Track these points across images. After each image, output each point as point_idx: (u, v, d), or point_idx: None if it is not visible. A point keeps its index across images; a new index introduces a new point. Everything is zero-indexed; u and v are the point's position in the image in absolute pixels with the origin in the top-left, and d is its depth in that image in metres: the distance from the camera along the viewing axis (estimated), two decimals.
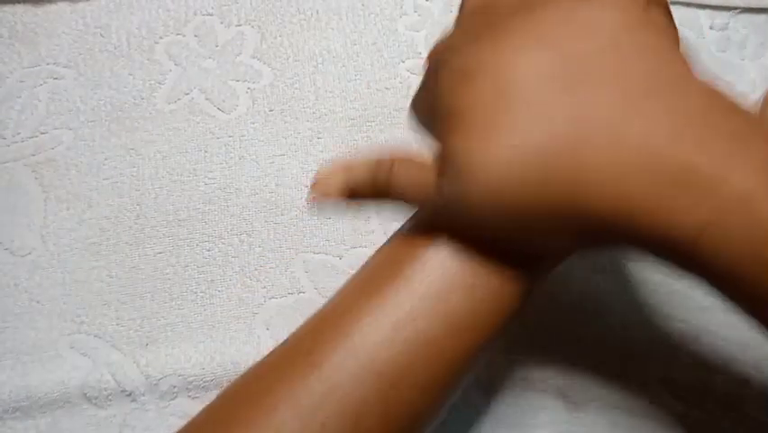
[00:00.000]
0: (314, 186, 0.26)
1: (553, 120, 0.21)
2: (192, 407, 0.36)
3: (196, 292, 0.38)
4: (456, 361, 0.24)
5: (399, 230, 0.27)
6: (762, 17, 0.41)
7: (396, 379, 0.23)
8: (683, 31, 0.41)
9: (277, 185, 0.39)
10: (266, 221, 0.39)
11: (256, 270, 0.38)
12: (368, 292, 0.25)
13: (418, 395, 0.24)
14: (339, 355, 0.23)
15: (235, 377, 0.37)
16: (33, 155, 0.39)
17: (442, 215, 0.24)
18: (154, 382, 0.36)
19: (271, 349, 0.33)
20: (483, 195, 0.22)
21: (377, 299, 0.24)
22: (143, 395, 0.36)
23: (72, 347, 0.37)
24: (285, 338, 0.27)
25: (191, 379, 0.36)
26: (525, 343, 0.38)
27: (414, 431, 0.24)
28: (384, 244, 0.27)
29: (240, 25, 0.40)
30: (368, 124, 0.40)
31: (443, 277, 0.24)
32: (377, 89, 0.40)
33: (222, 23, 0.40)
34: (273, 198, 0.39)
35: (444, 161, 0.23)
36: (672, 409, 0.37)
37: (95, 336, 0.37)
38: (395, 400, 0.23)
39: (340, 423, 0.23)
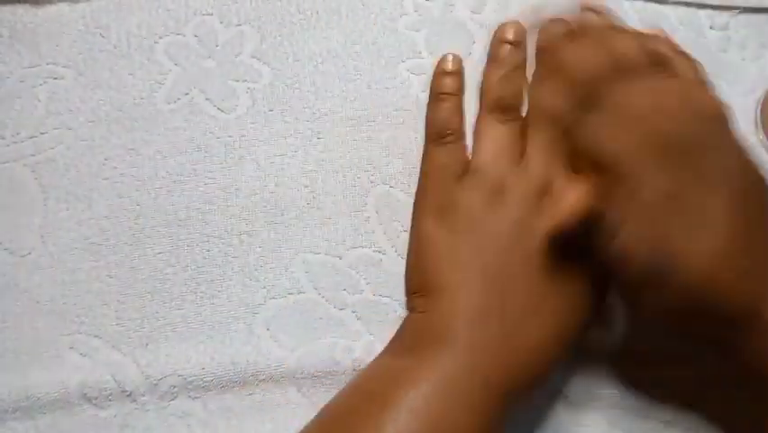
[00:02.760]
0: None
1: None
2: (192, 407, 0.36)
3: (196, 292, 0.38)
4: None
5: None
6: (762, 17, 0.41)
7: None
8: (683, 30, 0.41)
9: (277, 185, 0.39)
10: (266, 221, 0.39)
11: (256, 270, 0.38)
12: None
13: None
14: None
15: (235, 377, 0.37)
16: (33, 155, 0.39)
17: None
18: (154, 383, 0.36)
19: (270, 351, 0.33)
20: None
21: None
22: (143, 395, 0.36)
23: (72, 347, 0.37)
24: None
25: (191, 379, 0.36)
26: None
27: None
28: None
29: (240, 25, 0.40)
30: (368, 124, 0.39)
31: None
32: (377, 89, 0.40)
33: (221, 22, 0.40)
34: (273, 199, 0.39)
35: None
36: (672, 409, 0.37)
37: (94, 337, 0.37)
38: None
39: None
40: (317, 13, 0.40)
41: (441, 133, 0.34)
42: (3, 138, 0.39)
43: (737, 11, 0.41)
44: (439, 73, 0.36)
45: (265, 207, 0.39)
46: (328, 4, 0.40)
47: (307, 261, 0.38)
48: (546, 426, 0.37)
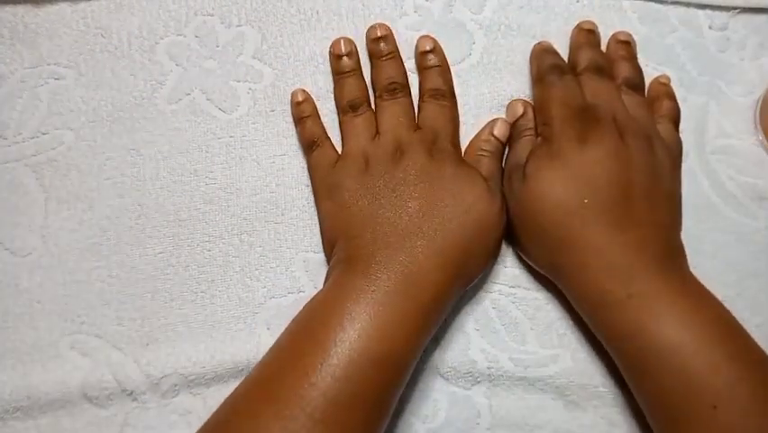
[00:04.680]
0: None
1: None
2: (193, 403, 0.36)
3: (196, 292, 0.38)
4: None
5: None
6: (761, 17, 0.41)
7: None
8: (682, 30, 0.41)
9: (277, 185, 0.39)
10: (266, 221, 0.39)
11: (256, 269, 0.38)
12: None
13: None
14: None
15: (236, 374, 0.37)
16: (34, 155, 0.39)
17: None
18: (155, 382, 0.36)
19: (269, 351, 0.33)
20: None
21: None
22: (144, 394, 0.36)
23: (73, 347, 0.37)
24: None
25: (192, 378, 0.36)
26: (525, 343, 0.38)
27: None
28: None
29: (240, 26, 0.40)
30: None
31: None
32: None
33: (222, 23, 0.40)
34: (274, 198, 0.39)
35: None
36: None
37: (95, 336, 0.37)
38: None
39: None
40: (318, 13, 0.40)
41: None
42: (4, 138, 0.39)
43: (736, 11, 0.41)
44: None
45: (266, 206, 0.39)
46: (328, 4, 0.40)
47: (308, 260, 0.38)
48: (546, 425, 0.37)
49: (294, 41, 0.40)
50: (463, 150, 0.38)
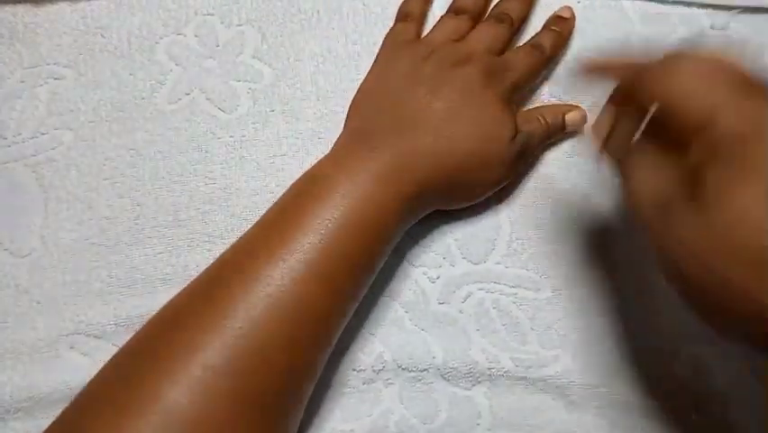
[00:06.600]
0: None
1: None
2: None
3: None
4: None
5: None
6: (762, 17, 0.41)
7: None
8: (683, 30, 0.41)
9: (277, 185, 0.39)
10: None
11: None
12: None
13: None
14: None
15: None
16: (34, 155, 0.39)
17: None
18: None
19: None
20: None
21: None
22: None
23: (72, 348, 0.37)
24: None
25: None
26: (526, 343, 0.38)
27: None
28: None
29: (240, 25, 0.40)
30: None
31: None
32: None
33: (222, 22, 0.40)
34: (273, 199, 0.38)
35: None
36: (672, 408, 0.37)
37: (95, 337, 0.37)
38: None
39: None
40: (318, 13, 0.40)
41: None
42: (4, 138, 0.39)
43: (737, 11, 0.41)
44: None
45: (266, 206, 0.38)
46: (329, 4, 0.40)
47: None
48: (547, 426, 0.37)
49: (294, 41, 0.40)
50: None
